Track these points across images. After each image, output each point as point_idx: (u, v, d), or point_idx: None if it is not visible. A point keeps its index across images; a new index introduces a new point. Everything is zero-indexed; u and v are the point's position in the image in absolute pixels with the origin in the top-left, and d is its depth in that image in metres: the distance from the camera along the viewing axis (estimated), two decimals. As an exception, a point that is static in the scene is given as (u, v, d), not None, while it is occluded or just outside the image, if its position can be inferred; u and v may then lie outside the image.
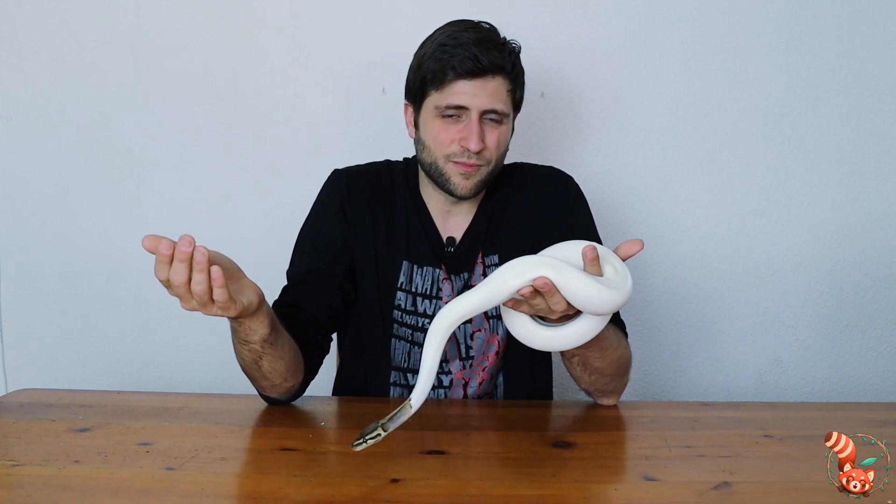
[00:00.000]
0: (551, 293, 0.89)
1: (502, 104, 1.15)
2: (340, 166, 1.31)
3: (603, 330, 1.03)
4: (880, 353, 1.71)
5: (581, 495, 0.86)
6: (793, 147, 1.65)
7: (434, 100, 1.15)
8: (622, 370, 1.14)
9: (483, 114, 1.14)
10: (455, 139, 1.15)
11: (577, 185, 1.29)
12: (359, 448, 0.88)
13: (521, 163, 1.34)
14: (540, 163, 1.34)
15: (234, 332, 1.01)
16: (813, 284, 1.69)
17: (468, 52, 1.11)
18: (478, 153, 1.14)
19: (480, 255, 1.25)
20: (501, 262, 1.23)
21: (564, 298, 0.90)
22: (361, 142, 1.64)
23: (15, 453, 0.96)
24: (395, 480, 0.88)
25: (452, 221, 1.27)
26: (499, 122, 1.16)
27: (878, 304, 1.70)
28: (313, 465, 0.93)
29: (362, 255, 1.24)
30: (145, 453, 0.96)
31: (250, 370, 1.07)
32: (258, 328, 0.99)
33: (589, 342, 1.00)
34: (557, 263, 0.91)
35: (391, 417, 0.89)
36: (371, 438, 0.88)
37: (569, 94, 1.65)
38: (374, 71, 1.62)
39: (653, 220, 1.68)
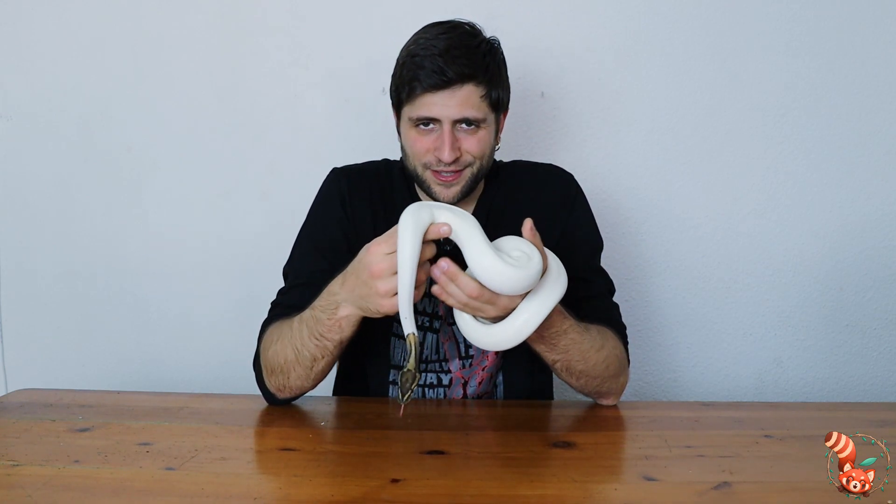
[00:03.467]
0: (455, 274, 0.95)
1: (474, 111, 1.12)
2: (339, 165, 1.31)
3: (580, 332, 1.07)
4: (880, 353, 1.71)
5: (581, 495, 0.86)
6: (793, 147, 1.65)
7: (407, 111, 1.15)
8: (612, 371, 1.14)
9: (455, 122, 1.13)
10: (430, 149, 1.14)
11: (577, 183, 1.29)
12: (406, 401, 0.91)
13: (521, 160, 1.34)
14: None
15: (318, 322, 1.04)
16: (813, 284, 1.69)
17: (434, 64, 1.09)
18: (454, 161, 1.14)
19: (478, 254, 1.24)
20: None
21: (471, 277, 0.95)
22: (361, 141, 1.64)
23: (15, 453, 0.96)
24: (395, 480, 0.88)
25: None
26: (476, 128, 1.14)
27: (878, 304, 1.69)
28: (313, 465, 0.93)
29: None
30: (145, 453, 0.96)
31: (295, 364, 1.08)
32: (350, 330, 1.04)
33: (567, 347, 1.05)
34: (464, 226, 0.97)
35: (405, 358, 0.95)
36: (410, 385, 0.92)
37: (569, 94, 1.65)
38: (374, 71, 1.62)
39: (653, 220, 1.68)
